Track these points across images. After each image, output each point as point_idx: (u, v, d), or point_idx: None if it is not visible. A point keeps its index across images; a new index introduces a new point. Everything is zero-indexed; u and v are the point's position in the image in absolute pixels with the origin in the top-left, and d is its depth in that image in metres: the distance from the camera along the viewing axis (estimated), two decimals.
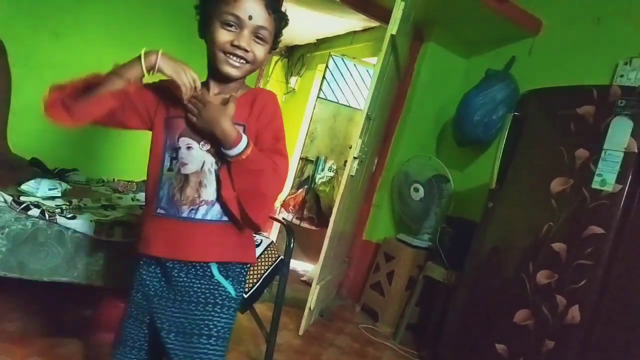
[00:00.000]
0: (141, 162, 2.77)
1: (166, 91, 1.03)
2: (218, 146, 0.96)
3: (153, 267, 1.02)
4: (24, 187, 1.73)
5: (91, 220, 1.66)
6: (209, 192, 0.98)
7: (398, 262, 2.94)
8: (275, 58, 5.72)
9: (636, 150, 1.61)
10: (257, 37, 0.99)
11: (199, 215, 0.98)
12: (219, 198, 0.98)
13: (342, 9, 3.61)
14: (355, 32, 4.63)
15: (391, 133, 3.32)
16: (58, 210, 1.63)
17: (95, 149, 2.52)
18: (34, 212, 1.55)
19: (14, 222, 1.52)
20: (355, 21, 4.10)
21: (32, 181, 1.77)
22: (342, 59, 5.12)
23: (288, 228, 2.03)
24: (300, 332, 2.43)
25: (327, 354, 2.31)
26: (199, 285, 0.99)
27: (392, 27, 2.25)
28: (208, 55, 1.04)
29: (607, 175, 1.65)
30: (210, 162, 0.99)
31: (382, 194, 3.38)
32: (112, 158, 2.57)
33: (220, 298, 1.00)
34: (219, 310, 0.99)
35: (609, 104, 1.70)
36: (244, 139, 0.95)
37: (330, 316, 2.84)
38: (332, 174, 5.72)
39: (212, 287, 0.99)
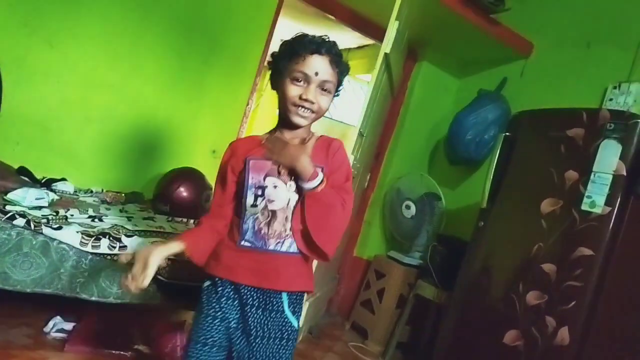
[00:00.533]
0: (130, 174, 2.76)
1: (244, 143, 1.19)
2: (297, 182, 1.09)
3: (231, 300, 1.12)
4: (10, 196, 1.71)
5: (77, 231, 1.63)
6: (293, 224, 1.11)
7: (389, 280, 2.92)
8: (269, 73, 5.74)
9: (624, 173, 1.63)
10: (323, 90, 1.12)
11: (284, 248, 1.10)
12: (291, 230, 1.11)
13: (337, 26, 3.64)
14: (350, 49, 4.68)
15: (383, 150, 3.33)
16: (44, 221, 1.61)
17: (84, 159, 2.50)
18: (20, 221, 1.53)
19: None
20: (350, 38, 4.14)
21: (19, 190, 1.75)
22: None
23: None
24: None
25: None
26: (270, 322, 1.10)
27: (386, 46, 2.27)
28: (279, 106, 1.16)
29: (596, 197, 1.66)
30: (295, 199, 1.11)
31: (373, 211, 3.38)
32: (101, 168, 2.55)
33: (287, 332, 1.12)
34: (285, 344, 1.11)
35: (598, 127, 1.73)
36: (320, 174, 1.08)
37: (319, 334, 2.80)
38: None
39: (281, 322, 1.11)
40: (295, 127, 1.14)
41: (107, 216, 1.95)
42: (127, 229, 1.81)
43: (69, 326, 1.88)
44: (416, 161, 3.38)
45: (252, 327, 1.10)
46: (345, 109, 5.67)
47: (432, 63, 3.32)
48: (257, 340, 1.09)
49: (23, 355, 1.65)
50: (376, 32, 3.06)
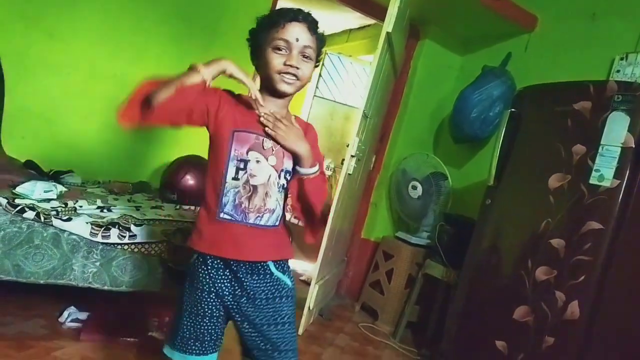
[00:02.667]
0: (137, 163, 2.77)
1: (232, 103, 1.14)
2: (281, 162, 1.13)
3: (222, 270, 1.13)
4: (19, 189, 1.72)
5: (87, 222, 1.65)
6: (272, 201, 1.13)
7: (397, 261, 2.94)
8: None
9: (633, 145, 1.61)
10: (304, 56, 1.12)
11: (262, 222, 1.12)
12: (291, 208, 1.18)
13: (337, 7, 3.60)
14: (351, 30, 4.63)
15: (388, 131, 3.32)
16: (54, 213, 1.62)
17: (90, 151, 2.50)
18: (29, 214, 1.55)
19: (9, 224, 1.52)
20: (351, 19, 4.10)
21: (27, 184, 1.76)
22: (338, 57, 5.11)
23: (286, 227, 2.02)
24: (300, 332, 2.43)
25: (326, 353, 2.31)
26: (263, 285, 1.14)
27: (388, 25, 2.24)
28: (262, 78, 1.17)
29: (604, 171, 1.65)
30: (275, 175, 1.13)
31: (380, 192, 3.38)
32: (107, 159, 2.56)
33: (283, 291, 1.16)
34: (284, 301, 1.16)
35: (605, 100, 1.70)
36: (317, 163, 1.15)
37: (330, 315, 2.83)
38: (329, 173, 5.72)
39: (274, 283, 1.15)
40: (281, 95, 1.15)
41: (115, 206, 1.97)
42: (136, 218, 1.82)
43: (83, 316, 1.91)
44: (421, 141, 3.36)
45: (249, 291, 1.12)
46: (349, 91, 5.63)
47: (435, 41, 3.27)
48: (256, 302, 1.13)
49: (39, 346, 1.68)
50: (377, 11, 3.02)
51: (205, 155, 1.23)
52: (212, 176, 1.13)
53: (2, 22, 2.17)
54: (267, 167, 1.12)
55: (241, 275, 1.12)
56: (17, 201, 1.60)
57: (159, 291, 1.78)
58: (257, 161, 1.11)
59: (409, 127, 3.33)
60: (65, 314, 1.90)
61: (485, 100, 2.66)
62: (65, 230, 1.59)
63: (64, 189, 1.93)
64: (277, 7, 2.94)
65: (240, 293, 1.13)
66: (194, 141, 2.70)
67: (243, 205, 1.10)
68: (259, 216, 1.11)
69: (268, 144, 1.12)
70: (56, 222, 1.58)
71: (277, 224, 1.16)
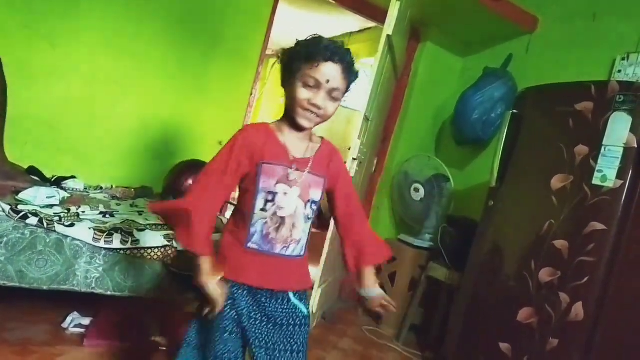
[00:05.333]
0: (138, 169, 2.78)
1: (257, 138, 1.15)
2: (307, 194, 1.15)
3: (244, 294, 1.14)
4: (21, 195, 1.73)
5: (90, 228, 1.65)
6: (299, 232, 1.15)
7: (400, 263, 2.93)
8: (272, 60, 5.72)
9: (635, 146, 1.61)
10: (331, 97, 1.13)
11: (288, 252, 1.15)
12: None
13: (337, 10, 3.61)
14: (351, 33, 4.64)
15: (390, 133, 3.32)
16: (56, 218, 1.63)
17: (92, 156, 2.51)
18: (32, 220, 1.55)
19: (12, 231, 1.52)
20: (351, 22, 4.11)
21: (30, 190, 1.77)
22: None
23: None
24: None
25: (330, 356, 2.30)
26: (281, 310, 1.15)
27: (388, 28, 2.24)
28: (286, 103, 1.17)
29: (607, 171, 1.65)
30: (302, 206, 1.14)
31: (382, 195, 3.37)
32: (110, 165, 2.57)
33: (297, 319, 1.17)
34: (297, 330, 1.17)
35: (607, 100, 1.70)
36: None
37: (333, 319, 2.82)
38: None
39: (290, 310, 1.16)
40: (301, 130, 1.16)
41: (118, 212, 1.97)
42: (138, 223, 1.83)
43: (86, 321, 1.91)
44: (423, 143, 3.36)
45: (268, 315, 1.14)
46: (350, 94, 5.62)
47: (436, 43, 3.27)
48: (269, 327, 1.14)
49: (43, 351, 1.68)
50: (378, 14, 3.02)
51: (206, 159, 1.24)
52: (241, 207, 1.16)
53: (5, 30, 2.19)
54: (294, 198, 1.13)
55: (261, 300, 1.14)
56: (20, 207, 1.60)
57: (161, 296, 1.77)
58: (285, 193, 1.12)
59: (410, 129, 3.33)
60: (69, 319, 1.90)
61: (487, 101, 2.65)
62: (68, 236, 1.60)
63: (66, 195, 1.94)
64: (278, 11, 2.95)
65: (259, 317, 1.14)
66: (195, 145, 2.72)
67: (270, 236, 1.12)
68: (285, 247, 1.14)
69: (293, 175, 1.13)
70: (59, 228, 1.58)
71: (301, 254, 1.18)
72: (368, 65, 5.27)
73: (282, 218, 1.12)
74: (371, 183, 3.29)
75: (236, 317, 1.13)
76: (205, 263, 1.09)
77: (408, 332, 2.75)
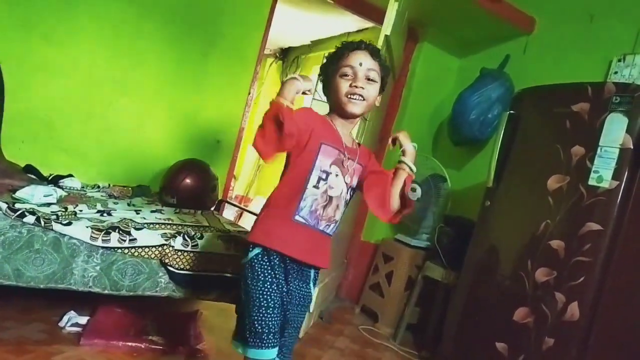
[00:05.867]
0: (135, 167, 2.77)
1: (318, 119, 1.24)
2: (351, 180, 1.27)
3: (280, 269, 1.20)
4: (19, 194, 1.72)
5: (87, 226, 1.65)
6: (340, 213, 1.26)
7: (397, 263, 2.94)
8: (270, 60, 5.72)
9: (631, 147, 1.62)
10: (368, 79, 1.23)
11: (329, 230, 1.25)
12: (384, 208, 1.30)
13: (335, 10, 3.61)
14: (349, 33, 4.63)
15: (387, 133, 3.32)
16: (54, 217, 1.63)
17: (90, 155, 2.51)
18: (30, 219, 1.55)
19: (9, 229, 1.52)
20: (349, 22, 4.10)
21: (27, 188, 1.76)
22: None
23: None
24: (300, 335, 2.42)
25: (327, 356, 2.30)
26: (301, 291, 1.24)
27: (386, 28, 2.24)
28: (332, 105, 1.29)
29: (603, 172, 1.66)
30: (346, 191, 1.26)
31: None
32: (107, 163, 2.56)
33: (308, 301, 1.28)
34: (306, 310, 1.29)
35: (603, 101, 1.71)
36: None
37: (330, 318, 2.83)
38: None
39: (307, 292, 1.26)
40: (351, 116, 1.25)
41: (115, 210, 1.97)
42: (136, 222, 1.82)
43: (83, 320, 1.90)
44: (420, 143, 3.31)
45: (292, 295, 1.22)
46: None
47: (433, 43, 3.28)
48: (292, 306, 1.22)
49: (39, 350, 1.68)
50: (375, 14, 3.03)
51: (204, 158, 1.25)
52: (292, 182, 1.21)
53: (2, 28, 2.18)
54: (342, 182, 1.24)
55: (290, 279, 1.22)
56: (17, 205, 1.60)
57: (159, 295, 1.77)
58: (337, 175, 1.23)
59: (407, 129, 3.27)
60: (65, 318, 1.89)
61: (484, 102, 2.66)
62: (65, 235, 1.59)
63: (63, 193, 1.93)
64: (276, 11, 2.96)
65: (285, 288, 1.22)
66: (193, 144, 2.71)
67: (318, 212, 1.21)
68: (328, 224, 1.23)
69: (347, 162, 1.24)
70: (56, 227, 1.58)
71: (332, 234, 1.27)
72: None
73: (331, 197, 1.22)
74: None
75: (278, 290, 1.19)
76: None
77: (404, 332, 2.75)
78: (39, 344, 1.72)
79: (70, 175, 2.32)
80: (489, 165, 2.09)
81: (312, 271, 1.27)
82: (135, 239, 1.71)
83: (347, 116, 1.26)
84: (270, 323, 1.16)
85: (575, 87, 1.84)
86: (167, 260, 1.74)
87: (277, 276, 1.19)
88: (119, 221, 1.80)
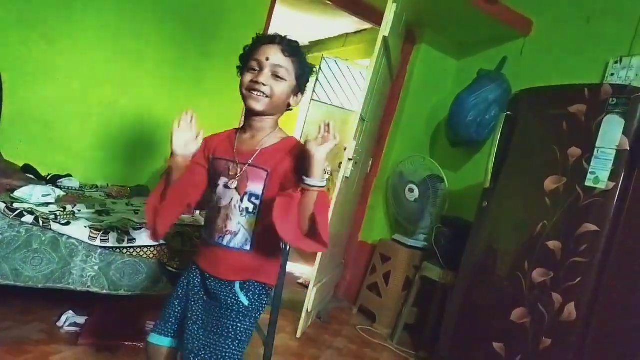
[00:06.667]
0: (134, 167, 2.77)
1: (213, 140, 1.26)
2: (244, 185, 1.15)
3: (198, 272, 1.24)
4: (17, 193, 1.72)
5: (85, 226, 1.65)
6: (233, 223, 1.16)
7: (394, 263, 2.94)
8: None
9: (628, 148, 1.63)
10: (275, 76, 1.15)
11: (224, 242, 1.17)
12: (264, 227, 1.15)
13: (334, 12, 3.62)
14: (347, 34, 4.65)
15: (385, 134, 3.33)
16: (52, 217, 1.63)
17: (88, 155, 2.51)
18: (28, 218, 1.55)
19: (7, 229, 1.52)
20: (348, 23, 4.12)
21: (26, 188, 1.76)
22: (335, 61, 5.13)
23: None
24: (298, 335, 2.43)
25: (324, 356, 2.31)
26: (224, 294, 1.18)
27: (385, 29, 2.26)
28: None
29: (600, 173, 1.67)
30: (237, 199, 1.16)
31: (377, 195, 3.39)
32: (105, 163, 2.56)
33: (237, 306, 1.17)
34: (234, 316, 1.16)
35: (600, 103, 1.72)
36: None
37: (328, 318, 2.83)
38: (327, 176, 5.73)
39: (232, 296, 1.18)
40: (255, 113, 1.18)
41: (113, 210, 1.97)
42: (134, 222, 1.83)
43: (81, 320, 1.90)
44: (418, 144, 3.38)
45: (208, 296, 1.21)
46: (345, 95, 5.65)
47: (431, 45, 3.29)
48: (206, 306, 1.20)
49: (37, 350, 1.68)
50: (374, 15, 3.04)
51: None
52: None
53: (1, 28, 2.18)
54: (230, 191, 1.17)
55: (207, 282, 1.21)
56: (15, 205, 1.60)
57: (158, 294, 1.78)
58: (224, 186, 1.18)
59: (405, 130, 3.35)
60: (63, 318, 1.89)
61: (481, 103, 2.68)
62: (63, 234, 1.59)
63: (62, 193, 1.93)
64: (274, 13, 2.96)
65: (201, 295, 1.22)
66: None
67: (212, 226, 1.20)
68: (220, 237, 1.17)
69: (233, 168, 1.17)
70: (55, 226, 1.58)
71: (245, 248, 1.17)
72: (364, 66, 5.29)
73: (219, 208, 1.18)
74: (366, 183, 3.31)
75: (185, 288, 1.24)
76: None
77: (402, 332, 2.76)
78: (37, 344, 1.72)
79: (69, 175, 2.32)
80: (486, 166, 2.10)
81: (236, 283, 1.17)
82: (134, 239, 1.72)
83: (251, 113, 1.19)
84: (164, 312, 1.26)
85: (572, 88, 1.85)
86: (165, 260, 1.75)
87: (190, 278, 1.24)
88: (117, 221, 1.80)
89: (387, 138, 3.34)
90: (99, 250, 1.65)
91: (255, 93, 1.14)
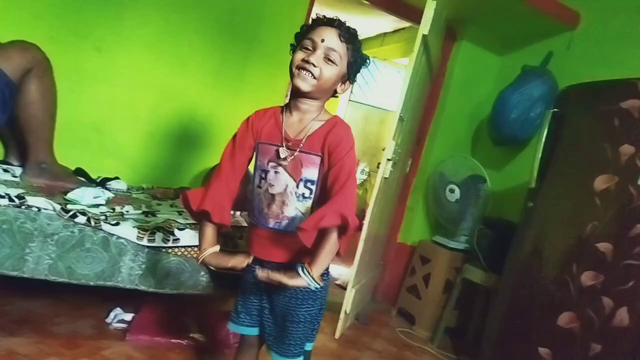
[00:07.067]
0: (179, 169, 2.85)
1: (260, 121, 1.24)
2: (299, 172, 1.16)
3: (257, 263, 1.22)
4: (70, 195, 1.81)
5: (133, 227, 1.72)
6: (290, 209, 1.18)
7: (434, 265, 2.90)
8: None
9: None
10: (327, 58, 1.14)
11: (282, 227, 1.19)
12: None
13: (371, 11, 3.60)
14: (385, 33, 4.62)
15: (425, 134, 3.28)
16: (102, 217, 1.70)
17: (135, 158, 2.61)
18: (81, 219, 1.62)
19: (62, 229, 1.60)
20: (385, 22, 4.09)
21: (78, 190, 1.85)
22: (373, 61, 5.10)
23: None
24: (337, 336, 2.43)
25: (364, 357, 2.30)
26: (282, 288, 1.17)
27: (424, 27, 2.23)
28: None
29: None
30: (293, 185, 1.17)
31: (416, 196, 3.34)
32: (151, 166, 2.65)
33: (301, 292, 1.20)
34: (300, 303, 1.21)
35: None
36: (305, 274, 1.12)
37: (366, 320, 2.82)
38: (364, 177, 5.70)
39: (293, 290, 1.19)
40: (299, 93, 1.17)
41: (159, 211, 2.04)
42: (179, 222, 1.88)
43: (128, 317, 1.98)
44: (459, 144, 3.31)
45: (272, 291, 1.23)
46: (383, 95, 5.60)
47: (472, 42, 3.22)
48: (278, 295, 1.23)
49: (88, 345, 1.76)
50: (413, 13, 3.00)
51: None
52: (252, 184, 1.25)
53: (55, 37, 2.30)
54: (285, 177, 1.17)
55: (271, 269, 1.18)
56: (69, 207, 1.68)
57: (201, 293, 1.82)
58: (276, 172, 1.18)
59: (446, 129, 3.29)
60: (112, 315, 1.98)
61: (526, 100, 2.59)
62: (113, 234, 1.66)
63: (111, 195, 2.02)
64: (312, 14, 2.98)
65: (264, 284, 1.18)
66: None
67: (264, 211, 1.20)
68: (277, 222, 1.19)
69: (284, 153, 1.16)
70: (105, 227, 1.65)
71: (290, 229, 1.17)
72: (402, 66, 5.23)
73: (272, 195, 1.18)
74: (405, 184, 3.27)
75: (253, 280, 1.22)
76: (206, 228, 1.22)
77: (443, 335, 2.71)
78: (88, 339, 1.80)
79: (117, 178, 2.42)
80: (531, 166, 2.03)
81: (298, 266, 1.10)
82: (178, 239, 1.77)
83: (296, 93, 1.18)
84: (238, 305, 1.30)
85: (624, 83, 1.76)
86: None
87: (252, 273, 1.20)
88: (163, 222, 1.86)
89: (427, 137, 3.29)
90: (146, 250, 1.71)
91: (304, 72, 1.14)
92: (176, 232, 1.78)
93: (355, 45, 1.19)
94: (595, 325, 1.62)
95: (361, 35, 1.22)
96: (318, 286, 1.11)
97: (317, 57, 1.13)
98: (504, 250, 2.16)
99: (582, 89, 1.96)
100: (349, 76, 1.21)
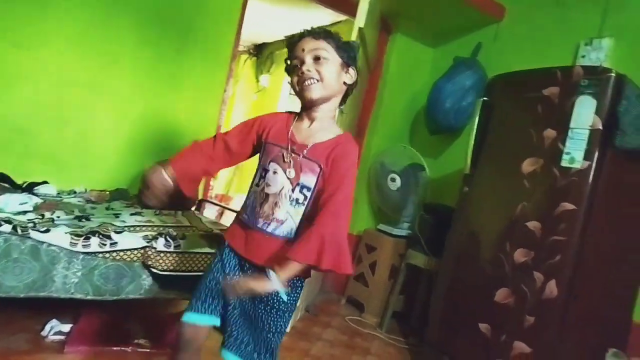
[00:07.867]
0: (114, 171, 2.72)
1: (270, 121, 1.25)
2: (297, 176, 1.16)
3: (233, 254, 1.24)
4: None
5: (66, 232, 1.62)
6: (282, 212, 1.17)
7: (380, 253, 2.97)
8: (244, 57, 5.68)
9: (601, 127, 1.67)
10: (317, 59, 1.17)
11: (269, 229, 1.17)
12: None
13: (308, 4, 3.60)
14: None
15: (364, 126, 3.34)
16: (31, 225, 1.59)
17: (64, 160, 2.45)
18: (6, 227, 1.51)
19: None
20: (323, 15, 4.10)
21: (1, 197, 1.72)
22: None
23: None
24: (287, 329, 2.43)
25: (315, 348, 2.32)
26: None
27: (360, 20, 2.26)
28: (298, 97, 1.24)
29: (575, 153, 1.71)
30: (288, 188, 1.17)
31: (359, 186, 3.40)
32: (82, 168, 2.51)
33: (276, 303, 1.19)
34: (274, 313, 1.20)
35: (572, 84, 1.76)
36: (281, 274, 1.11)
37: (316, 311, 2.85)
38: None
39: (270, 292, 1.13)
40: (312, 103, 1.19)
41: (93, 215, 1.94)
42: (115, 225, 1.80)
43: (66, 328, 1.87)
44: (398, 134, 3.40)
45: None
46: (353, 62, 5.63)
47: (406, 35, 3.31)
48: (246, 300, 1.19)
49: None
50: (348, 6, 3.03)
51: None
52: (251, 183, 1.25)
53: None
54: (282, 178, 1.17)
55: (244, 268, 1.21)
56: None
57: (143, 297, 1.76)
58: (275, 172, 1.18)
59: (385, 120, 3.37)
60: (48, 327, 1.86)
61: (458, 90, 2.71)
62: (44, 242, 1.56)
63: (39, 201, 1.90)
64: (248, 7, 2.94)
65: (237, 278, 1.18)
66: (170, 145, 2.68)
67: (256, 210, 1.19)
68: (266, 223, 1.17)
69: (288, 156, 1.17)
70: (34, 234, 1.55)
71: (289, 236, 1.17)
72: None
73: (267, 195, 1.18)
74: None
75: (221, 270, 1.23)
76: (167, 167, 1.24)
77: (390, 320, 2.79)
78: (22, 355, 1.68)
79: (45, 182, 2.27)
80: (465, 152, 2.13)
81: (272, 272, 1.08)
82: (116, 243, 1.69)
83: (309, 104, 1.20)
84: (199, 291, 1.24)
85: (545, 72, 1.89)
86: (149, 262, 1.73)
87: (225, 260, 1.23)
88: (98, 226, 1.77)
89: (367, 129, 3.36)
90: (81, 256, 1.63)
91: (307, 82, 1.16)
92: (113, 235, 1.70)
93: (332, 35, 1.21)
94: (528, 298, 1.73)
95: (296, 29, 1.23)
96: (285, 294, 1.12)
97: (308, 65, 1.17)
98: (444, 235, 2.25)
99: (508, 78, 2.08)
100: (347, 62, 1.23)
